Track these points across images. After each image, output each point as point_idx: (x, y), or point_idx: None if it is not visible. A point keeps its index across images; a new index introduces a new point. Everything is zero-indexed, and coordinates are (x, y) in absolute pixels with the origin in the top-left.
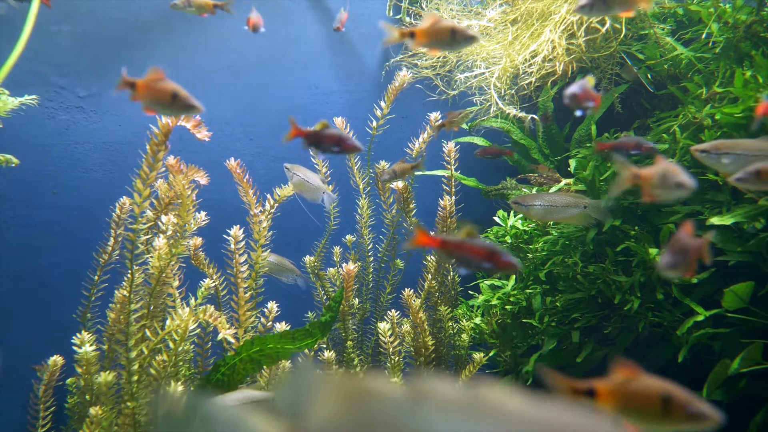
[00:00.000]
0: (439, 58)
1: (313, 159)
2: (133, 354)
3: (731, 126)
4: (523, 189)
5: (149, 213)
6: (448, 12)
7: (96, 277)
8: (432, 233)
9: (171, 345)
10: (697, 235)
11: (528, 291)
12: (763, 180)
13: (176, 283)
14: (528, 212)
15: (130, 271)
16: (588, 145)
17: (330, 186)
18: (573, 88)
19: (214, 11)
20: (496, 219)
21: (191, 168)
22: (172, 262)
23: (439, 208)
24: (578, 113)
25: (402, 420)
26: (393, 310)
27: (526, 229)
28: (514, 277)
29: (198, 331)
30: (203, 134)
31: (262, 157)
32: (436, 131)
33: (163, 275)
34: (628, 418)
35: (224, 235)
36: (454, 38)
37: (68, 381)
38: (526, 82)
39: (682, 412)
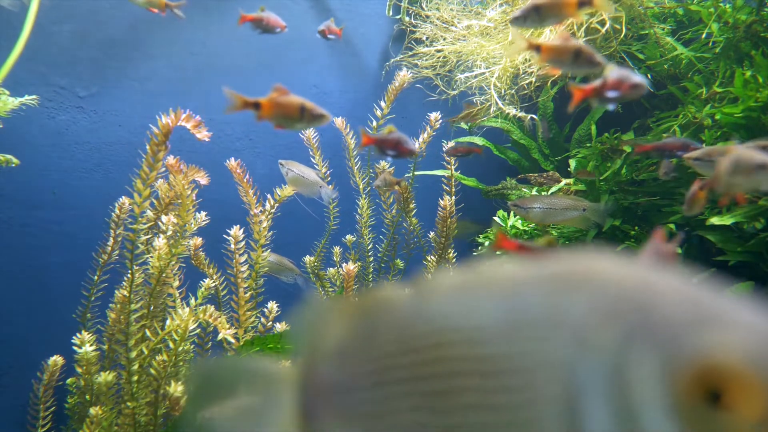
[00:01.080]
0: (439, 58)
1: (312, 159)
2: (133, 354)
3: (731, 126)
4: (523, 189)
5: (149, 213)
6: (448, 12)
7: (96, 277)
8: (511, 239)
9: (171, 345)
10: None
11: None
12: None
13: (176, 283)
14: (527, 215)
15: (130, 271)
16: (588, 145)
17: (330, 186)
18: None
19: (164, 10)
20: (496, 219)
21: (191, 168)
22: (172, 262)
23: (439, 208)
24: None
25: (413, 321)
26: None
27: (526, 229)
28: None
29: (198, 331)
30: (203, 134)
31: (262, 157)
32: (458, 121)
33: (163, 275)
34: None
35: (224, 235)
36: (576, 59)
37: (68, 381)
38: (526, 82)
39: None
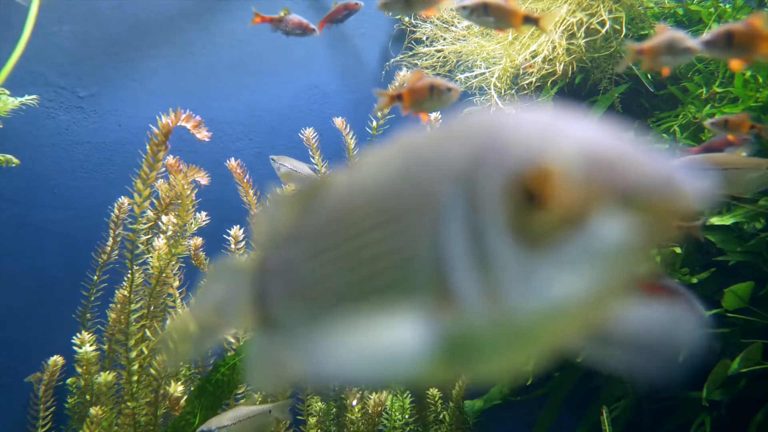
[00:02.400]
0: (439, 58)
1: (312, 159)
2: (133, 354)
3: None
4: None
5: (149, 213)
6: (448, 12)
7: (95, 277)
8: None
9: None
10: None
11: None
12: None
13: (176, 283)
14: None
15: (130, 271)
16: None
17: None
18: None
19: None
20: None
21: (192, 168)
22: (172, 262)
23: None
24: None
25: (337, 195)
26: None
27: None
28: None
29: None
30: (203, 134)
31: (262, 157)
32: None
33: (163, 275)
34: None
35: (224, 235)
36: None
37: (68, 381)
38: (527, 82)
39: None
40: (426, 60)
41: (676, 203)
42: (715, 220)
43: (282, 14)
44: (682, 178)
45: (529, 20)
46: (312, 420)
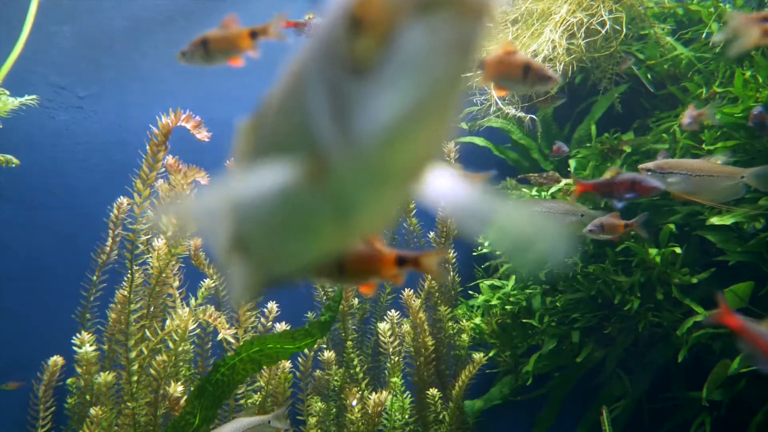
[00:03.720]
0: None
1: None
2: (133, 354)
3: (731, 126)
4: (523, 189)
5: (150, 213)
6: None
7: (95, 278)
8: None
9: (171, 345)
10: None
11: (528, 291)
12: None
13: (176, 284)
14: None
15: (129, 271)
16: (588, 145)
17: None
18: None
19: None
20: None
21: (192, 168)
22: (172, 263)
23: (439, 208)
24: None
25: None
26: (393, 310)
27: None
28: (513, 277)
29: (198, 331)
30: (203, 134)
31: None
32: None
33: (163, 275)
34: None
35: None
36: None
37: (68, 381)
38: None
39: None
40: None
41: None
42: (715, 220)
43: (307, 18)
44: None
45: (256, 34)
46: (312, 420)
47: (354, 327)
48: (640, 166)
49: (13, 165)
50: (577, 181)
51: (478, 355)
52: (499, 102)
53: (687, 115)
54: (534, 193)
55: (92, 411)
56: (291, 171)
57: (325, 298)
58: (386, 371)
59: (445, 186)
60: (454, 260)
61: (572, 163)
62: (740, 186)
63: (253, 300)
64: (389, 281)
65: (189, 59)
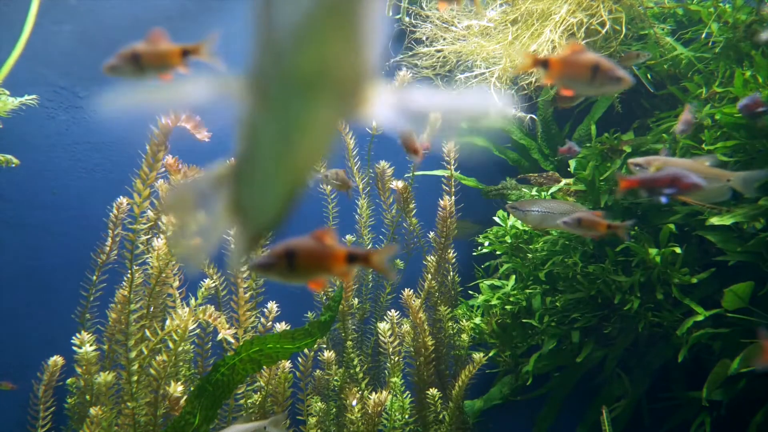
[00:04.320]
0: (439, 58)
1: None
2: (133, 354)
3: (731, 126)
4: (523, 189)
5: (150, 213)
6: (448, 12)
7: (94, 278)
8: None
9: (171, 345)
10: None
11: (528, 291)
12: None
13: (176, 283)
14: (525, 218)
15: (129, 271)
16: (588, 145)
17: (329, 186)
18: None
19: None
20: (496, 219)
21: (192, 168)
22: (172, 262)
23: (439, 208)
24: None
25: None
26: (393, 310)
27: (526, 229)
28: (513, 277)
29: (198, 331)
30: (203, 134)
31: None
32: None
33: (163, 275)
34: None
35: (224, 235)
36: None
37: (68, 381)
38: (526, 82)
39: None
40: (426, 60)
41: None
42: (715, 220)
43: None
44: None
45: (187, 53)
46: (312, 420)
47: (354, 327)
48: (630, 160)
49: (13, 165)
50: (621, 177)
51: (478, 355)
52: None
53: (681, 122)
54: (534, 193)
55: (92, 411)
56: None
57: (325, 298)
58: (386, 371)
59: (389, 102)
60: (454, 260)
61: (572, 163)
62: (726, 189)
63: (249, 258)
64: (340, 278)
65: (117, 72)
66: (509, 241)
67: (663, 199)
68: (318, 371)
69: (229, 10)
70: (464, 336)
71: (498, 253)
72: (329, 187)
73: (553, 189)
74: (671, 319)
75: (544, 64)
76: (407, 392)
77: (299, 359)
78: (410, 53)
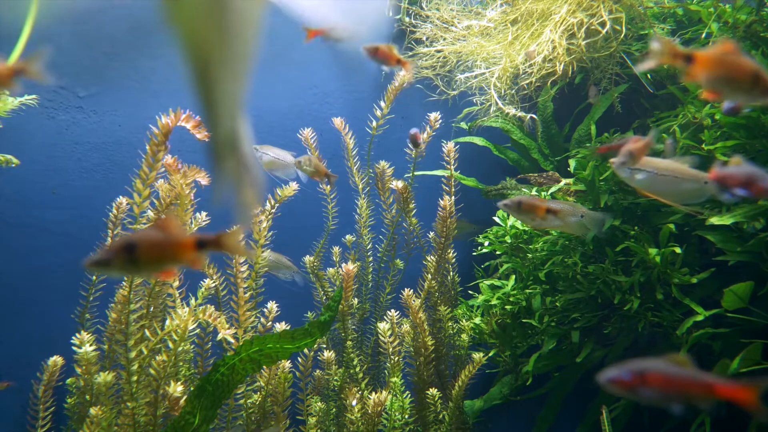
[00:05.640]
0: (439, 58)
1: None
2: (133, 354)
3: (731, 126)
4: (523, 189)
5: (150, 213)
6: (448, 12)
7: (94, 278)
8: None
9: (170, 345)
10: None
11: (528, 291)
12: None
13: (176, 284)
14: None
15: None
16: (588, 145)
17: (328, 186)
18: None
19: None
20: (496, 219)
21: (192, 168)
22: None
23: (439, 208)
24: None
25: None
26: (393, 310)
27: (526, 228)
28: (513, 277)
29: (198, 331)
30: (203, 134)
31: None
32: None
33: None
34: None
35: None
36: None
37: (68, 381)
38: (526, 82)
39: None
40: (426, 60)
41: None
42: (715, 220)
43: (330, 27)
44: None
45: (19, 72)
46: (312, 420)
47: (354, 327)
48: (611, 159)
49: (13, 165)
50: (713, 171)
51: (477, 355)
52: (499, 102)
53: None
54: (534, 193)
55: (92, 411)
56: None
57: (324, 298)
58: (386, 371)
59: None
60: (454, 260)
61: (572, 163)
62: (702, 190)
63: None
64: (190, 266)
65: None
66: (509, 241)
67: (729, 197)
68: (318, 371)
69: None
70: (464, 336)
71: (498, 253)
72: (328, 187)
73: (553, 189)
74: (671, 319)
75: (687, 58)
76: (407, 392)
77: (299, 359)
78: (410, 53)
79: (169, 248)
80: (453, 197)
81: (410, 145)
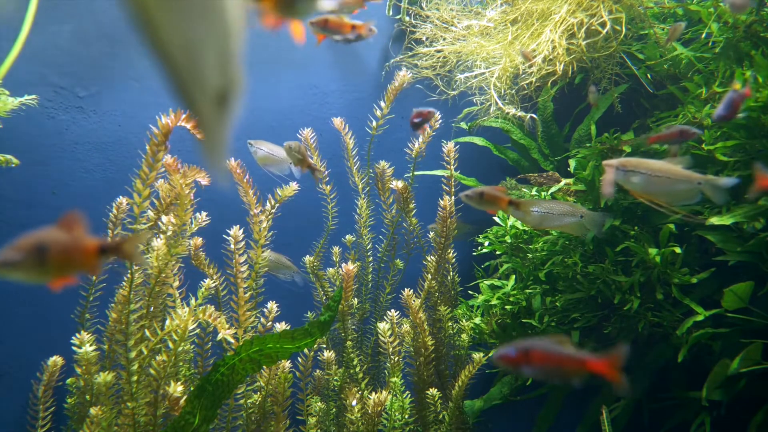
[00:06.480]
0: (439, 58)
1: (311, 158)
2: (133, 354)
3: (731, 126)
4: (523, 189)
5: (150, 213)
6: (448, 12)
7: (94, 278)
8: None
9: (171, 345)
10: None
11: (528, 291)
12: (485, 201)
13: (176, 284)
14: (524, 217)
15: (129, 272)
16: (588, 145)
17: (328, 186)
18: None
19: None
20: (496, 219)
21: (192, 168)
22: (171, 263)
23: (439, 208)
24: None
25: None
26: (393, 310)
27: (526, 228)
28: (513, 277)
29: (198, 331)
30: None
31: None
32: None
33: (163, 275)
34: None
35: (224, 235)
36: None
37: (68, 381)
38: (526, 82)
39: None
40: (426, 60)
41: None
42: (715, 220)
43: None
44: None
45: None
46: (312, 420)
47: (354, 327)
48: (604, 162)
49: (13, 165)
50: (760, 176)
51: (478, 355)
52: (499, 102)
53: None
54: (534, 193)
55: (92, 411)
56: None
57: (324, 298)
58: (386, 371)
59: None
60: (454, 260)
61: (572, 163)
62: (695, 191)
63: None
64: (89, 273)
65: None
66: (509, 241)
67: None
68: (318, 371)
69: None
70: (464, 336)
71: (498, 253)
72: (328, 187)
73: (553, 189)
74: (671, 319)
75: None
76: (407, 392)
77: (299, 359)
78: (410, 53)
79: (74, 253)
80: (453, 197)
81: (411, 127)
